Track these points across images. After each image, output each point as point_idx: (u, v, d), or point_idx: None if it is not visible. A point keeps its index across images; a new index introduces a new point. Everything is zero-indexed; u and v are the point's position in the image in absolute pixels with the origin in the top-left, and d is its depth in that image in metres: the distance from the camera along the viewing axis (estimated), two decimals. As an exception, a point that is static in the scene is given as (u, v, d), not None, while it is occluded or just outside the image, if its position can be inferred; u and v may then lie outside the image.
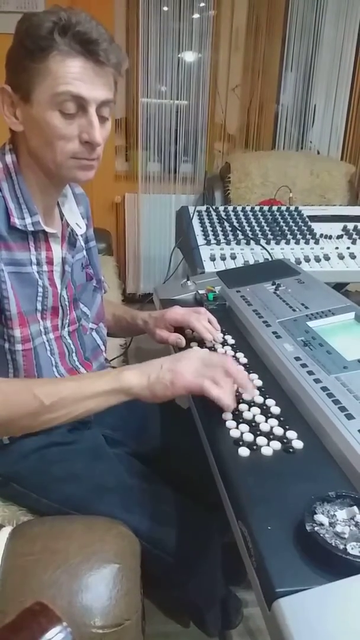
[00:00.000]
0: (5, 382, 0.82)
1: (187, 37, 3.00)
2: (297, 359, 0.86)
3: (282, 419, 0.76)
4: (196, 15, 2.98)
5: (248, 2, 3.08)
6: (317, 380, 0.79)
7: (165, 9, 2.94)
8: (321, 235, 1.69)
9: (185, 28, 2.98)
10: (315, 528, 0.54)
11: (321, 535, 0.53)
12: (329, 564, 0.51)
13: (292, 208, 1.91)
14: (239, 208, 1.89)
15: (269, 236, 1.68)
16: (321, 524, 0.54)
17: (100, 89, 0.82)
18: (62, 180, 0.94)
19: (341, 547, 0.52)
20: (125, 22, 3.02)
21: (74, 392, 0.78)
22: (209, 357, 0.82)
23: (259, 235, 1.69)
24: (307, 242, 1.65)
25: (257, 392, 0.83)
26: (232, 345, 1.02)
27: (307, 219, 1.81)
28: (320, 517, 0.55)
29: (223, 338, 1.04)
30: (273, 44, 3.14)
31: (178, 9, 2.94)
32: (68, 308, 0.99)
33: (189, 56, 3.06)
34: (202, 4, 2.96)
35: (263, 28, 3.10)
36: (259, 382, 0.86)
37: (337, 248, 1.62)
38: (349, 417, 0.70)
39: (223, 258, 1.56)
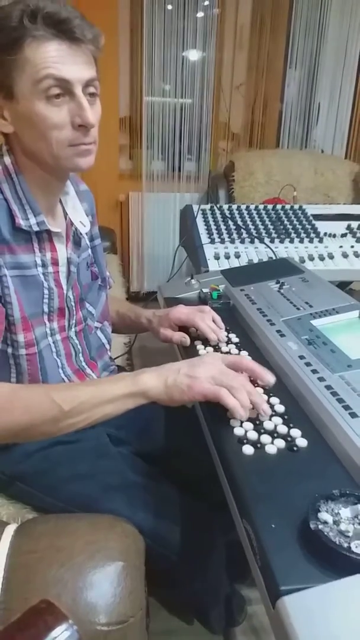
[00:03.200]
0: (23, 389, 0.82)
1: (191, 35, 3.00)
2: (301, 357, 0.86)
3: (286, 417, 0.76)
4: (200, 14, 2.97)
5: (252, 0, 3.07)
6: (321, 379, 0.79)
7: (170, 7, 2.93)
8: (325, 233, 1.69)
9: (190, 26, 2.98)
10: (320, 526, 0.54)
11: (325, 533, 0.53)
12: (333, 562, 0.51)
13: (296, 207, 1.90)
14: (243, 207, 1.89)
15: (273, 235, 1.68)
16: (325, 522, 0.54)
17: (82, 68, 0.80)
18: (62, 173, 0.92)
19: (345, 545, 0.52)
20: (130, 21, 3.02)
21: (92, 396, 0.77)
22: (226, 363, 0.81)
23: (263, 234, 1.69)
24: (311, 241, 1.65)
25: (270, 411, 0.80)
26: (236, 344, 1.02)
27: (311, 218, 1.81)
28: (324, 515, 0.55)
29: (227, 337, 1.04)
30: (277, 42, 3.13)
31: (182, 8, 2.93)
32: (74, 308, 0.99)
33: (193, 54, 3.05)
34: (206, 3, 2.95)
35: (267, 26, 3.09)
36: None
37: (341, 247, 1.62)
38: (353, 415, 0.70)
39: (227, 257, 1.56)
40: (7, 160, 0.87)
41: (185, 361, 0.82)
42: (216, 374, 0.78)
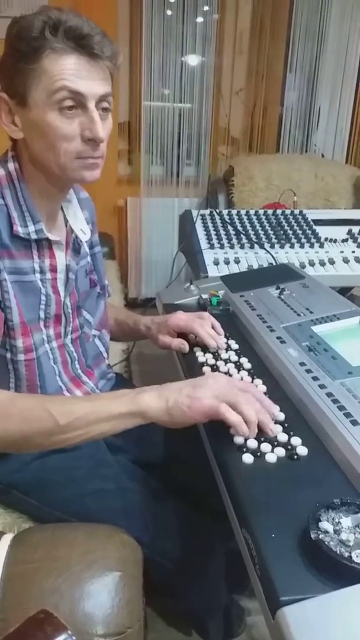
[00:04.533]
0: (21, 398, 0.81)
1: (190, 40, 3.00)
2: (302, 364, 0.86)
3: (286, 425, 0.75)
4: (200, 19, 2.98)
5: (252, 5, 3.08)
6: (322, 386, 0.79)
7: (169, 12, 2.94)
8: (326, 239, 1.68)
9: (189, 31, 2.98)
10: (320, 535, 0.53)
11: (326, 542, 0.52)
12: (334, 572, 0.51)
13: (296, 212, 1.90)
14: (243, 212, 1.88)
15: (273, 240, 1.67)
16: (326, 532, 0.54)
17: (97, 83, 0.81)
18: (67, 183, 0.93)
19: (346, 554, 0.51)
20: (129, 25, 3.03)
21: (90, 413, 0.75)
22: (230, 380, 0.79)
23: (263, 239, 1.68)
24: (311, 246, 1.64)
25: (279, 428, 0.77)
26: (235, 351, 1.01)
27: (311, 223, 1.80)
28: (324, 525, 0.54)
29: (227, 343, 1.03)
30: (277, 47, 3.14)
31: (182, 13, 2.93)
32: (71, 316, 0.99)
33: (193, 59, 3.06)
34: (205, 8, 2.96)
35: (267, 31, 3.10)
36: (264, 388, 0.86)
37: (342, 252, 1.61)
38: (354, 423, 0.69)
39: (227, 262, 1.55)
40: (11, 166, 0.88)
41: (188, 381, 0.79)
42: (219, 392, 0.75)
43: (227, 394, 0.75)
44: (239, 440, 0.72)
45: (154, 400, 0.76)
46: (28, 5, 2.65)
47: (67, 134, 0.81)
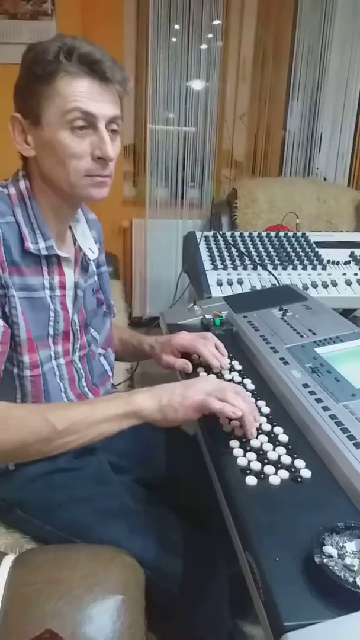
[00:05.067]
0: (17, 408, 0.83)
1: (195, 66, 3.07)
2: (305, 386, 0.86)
3: (290, 447, 0.75)
4: (204, 46, 3.05)
5: (255, 33, 3.14)
6: (325, 408, 0.78)
7: (174, 39, 3.01)
8: (328, 261, 1.69)
9: (194, 58, 3.05)
10: (324, 560, 0.53)
11: (330, 567, 0.52)
12: (339, 597, 0.50)
13: (299, 234, 1.92)
14: (246, 233, 1.90)
15: (276, 262, 1.68)
16: (330, 556, 0.53)
17: (108, 106, 0.85)
18: (76, 201, 0.95)
19: (350, 580, 0.51)
20: (135, 51, 3.10)
21: (86, 416, 0.78)
22: (221, 382, 0.82)
23: (266, 261, 1.69)
24: (314, 268, 1.65)
25: (261, 420, 0.82)
26: (239, 371, 1.01)
27: (314, 245, 1.82)
28: (329, 549, 0.54)
29: (230, 364, 1.03)
30: (279, 73, 3.20)
31: (187, 40, 3.00)
32: (79, 333, 1.00)
33: (197, 84, 3.12)
34: (209, 35, 3.03)
35: (270, 58, 3.16)
36: (267, 410, 0.86)
37: (344, 274, 1.62)
38: (358, 445, 0.69)
39: (230, 283, 1.56)
40: (22, 185, 0.90)
41: (180, 382, 0.83)
42: (210, 389, 0.79)
43: (217, 390, 0.79)
44: (242, 462, 0.72)
45: (147, 400, 0.79)
46: (37, 33, 2.72)
47: (78, 152, 0.85)
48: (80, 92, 0.82)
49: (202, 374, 1.01)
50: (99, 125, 0.84)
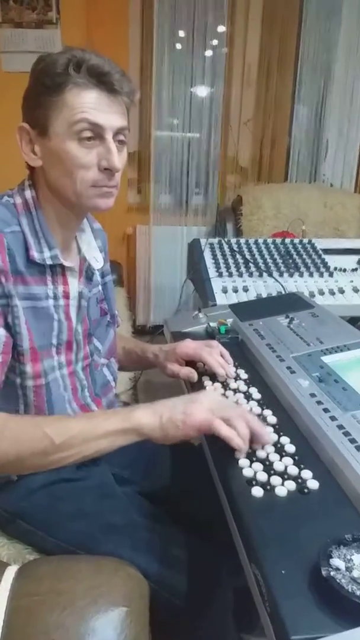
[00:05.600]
0: (15, 420, 0.82)
1: (199, 73, 3.09)
2: (312, 395, 0.85)
3: (296, 457, 0.74)
4: (209, 53, 3.06)
5: (260, 39, 3.16)
6: (332, 418, 0.78)
7: (179, 46, 3.02)
8: (335, 268, 1.68)
9: (198, 64, 3.07)
10: (331, 573, 0.52)
11: (337, 580, 0.51)
12: (346, 610, 0.50)
13: (305, 240, 1.91)
14: (251, 240, 1.90)
15: (282, 269, 1.68)
16: (337, 569, 0.53)
17: (115, 117, 0.85)
18: (82, 211, 0.95)
19: (358, 593, 0.50)
20: (140, 58, 3.12)
21: (85, 431, 0.77)
22: (223, 399, 0.81)
23: (272, 268, 1.69)
24: (321, 275, 1.64)
25: (273, 438, 0.79)
26: (245, 380, 1.00)
27: (320, 252, 1.81)
28: (336, 561, 0.53)
29: (236, 372, 1.03)
30: (285, 79, 3.21)
31: (191, 47, 3.02)
32: (82, 343, 0.99)
33: (202, 91, 3.13)
34: (214, 42, 3.05)
35: (275, 64, 3.17)
36: (273, 419, 0.85)
37: (351, 281, 1.61)
38: (366, 456, 0.68)
39: (235, 290, 1.56)
40: (28, 194, 0.91)
41: (181, 397, 0.82)
42: (213, 407, 0.77)
43: (219, 408, 0.77)
44: (248, 473, 0.71)
45: (148, 417, 0.78)
46: (43, 41, 2.75)
47: (85, 163, 0.85)
48: (88, 104, 0.83)
49: (207, 382, 1.00)
50: (106, 136, 0.85)
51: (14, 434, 0.76)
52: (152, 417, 0.78)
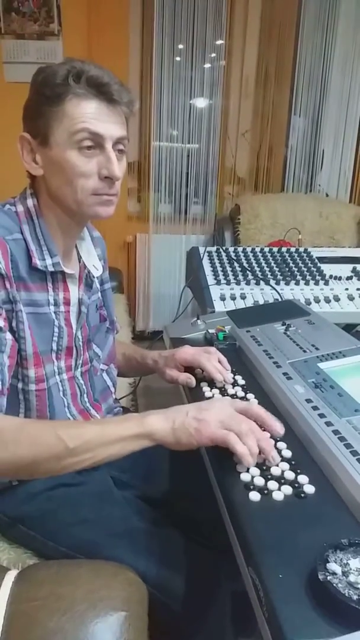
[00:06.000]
0: (30, 424, 0.82)
1: (198, 85, 3.12)
2: (308, 401, 0.86)
3: (293, 462, 0.75)
4: (207, 65, 3.09)
5: (257, 52, 3.19)
6: (328, 424, 0.78)
7: (178, 59, 3.06)
8: (331, 276, 1.70)
9: (197, 76, 3.10)
10: (328, 577, 0.52)
11: (334, 584, 0.51)
12: (343, 615, 0.50)
13: (301, 249, 1.93)
14: (249, 249, 1.91)
15: (279, 277, 1.69)
16: (334, 573, 0.53)
17: (115, 127, 0.87)
18: (83, 219, 0.97)
19: (355, 597, 0.50)
20: (140, 70, 3.15)
21: (98, 436, 0.76)
22: (235, 408, 0.80)
23: (269, 276, 1.70)
24: (316, 283, 1.66)
25: (279, 458, 0.78)
26: (242, 386, 1.01)
27: (316, 260, 1.83)
28: (332, 566, 0.53)
29: (233, 378, 1.04)
30: (282, 91, 3.24)
31: (190, 59, 3.06)
32: (82, 348, 1.00)
33: (200, 102, 3.16)
34: (213, 55, 3.08)
35: (272, 76, 3.20)
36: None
37: (346, 289, 1.63)
38: (361, 461, 0.69)
39: (233, 298, 1.57)
40: (29, 202, 0.92)
41: (193, 404, 0.81)
42: (225, 418, 0.77)
43: (232, 421, 0.76)
44: (246, 477, 0.72)
45: (160, 422, 0.77)
46: (44, 52, 2.78)
47: (85, 172, 0.87)
48: (88, 114, 0.84)
49: (206, 388, 1.01)
50: (106, 145, 0.86)
51: (30, 438, 0.76)
52: (165, 423, 0.77)
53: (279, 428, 0.80)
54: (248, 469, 0.73)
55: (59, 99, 0.84)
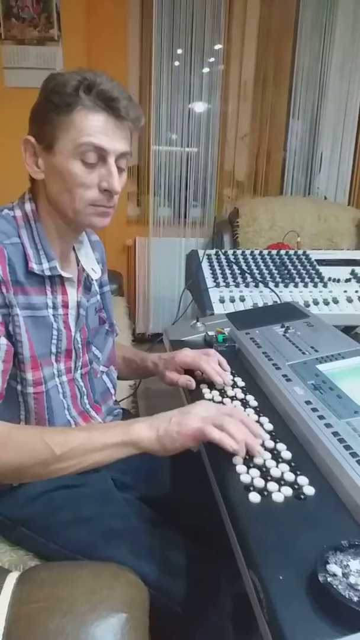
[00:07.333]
0: (17, 429, 0.83)
1: (197, 89, 3.13)
2: (308, 402, 0.86)
3: (293, 464, 0.75)
4: (206, 69, 3.11)
5: (255, 56, 3.21)
6: (327, 425, 0.79)
7: (177, 63, 3.07)
8: (329, 278, 1.70)
9: (196, 81, 3.11)
10: (328, 579, 0.52)
11: (334, 586, 0.51)
12: (343, 616, 0.50)
13: (299, 252, 1.93)
14: (248, 252, 1.92)
15: (278, 279, 1.69)
16: (334, 575, 0.53)
17: (119, 142, 0.88)
18: (79, 226, 0.97)
19: (355, 599, 0.50)
20: (139, 75, 3.16)
21: (84, 443, 0.78)
22: (217, 407, 0.82)
23: (268, 278, 1.71)
24: (315, 286, 1.66)
25: (266, 436, 0.81)
26: (242, 388, 1.01)
27: (315, 263, 1.83)
28: (333, 567, 0.54)
29: (233, 380, 1.04)
30: (280, 95, 3.26)
31: (189, 64, 3.07)
32: (81, 351, 1.01)
33: (199, 106, 3.18)
34: (211, 59, 3.09)
35: (270, 81, 3.22)
36: (270, 426, 0.86)
37: (345, 291, 1.63)
38: (361, 462, 0.69)
39: (232, 300, 1.57)
40: (28, 207, 0.93)
41: (177, 409, 0.83)
42: (207, 416, 0.79)
43: (213, 417, 0.79)
44: (245, 479, 0.72)
45: (146, 431, 0.79)
46: (44, 58, 2.78)
47: (86, 183, 0.88)
48: (95, 127, 0.85)
49: (205, 390, 1.01)
50: (109, 159, 0.87)
51: (17, 443, 0.77)
52: (149, 431, 0.79)
53: (262, 432, 0.81)
54: (248, 470, 0.73)
55: (68, 108, 0.85)
